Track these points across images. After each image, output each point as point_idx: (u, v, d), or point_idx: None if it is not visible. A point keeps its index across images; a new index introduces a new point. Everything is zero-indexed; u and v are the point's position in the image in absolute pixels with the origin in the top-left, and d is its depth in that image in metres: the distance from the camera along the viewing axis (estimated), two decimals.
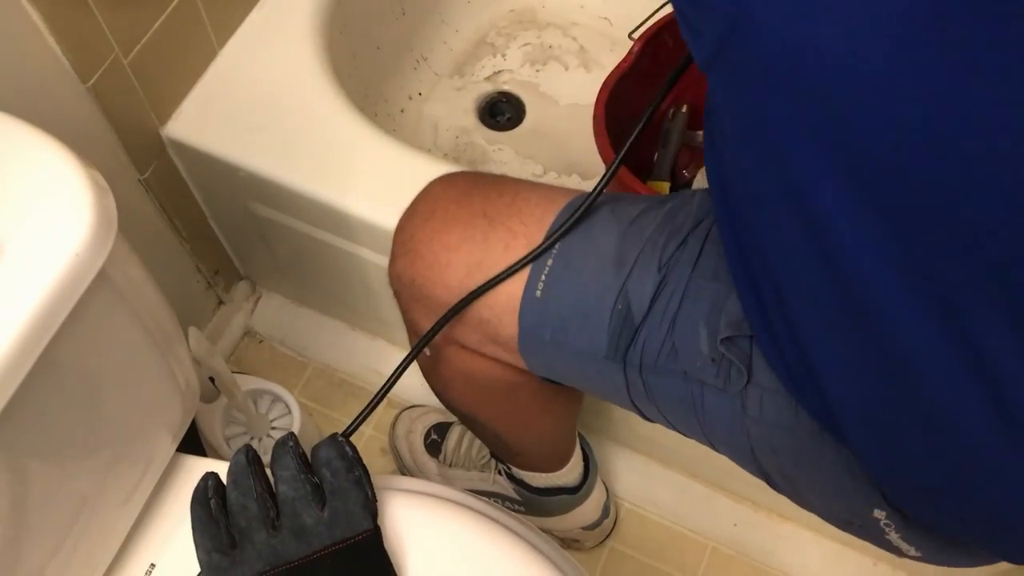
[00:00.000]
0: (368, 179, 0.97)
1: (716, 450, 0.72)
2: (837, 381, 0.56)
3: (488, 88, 1.40)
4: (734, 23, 0.46)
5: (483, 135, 1.37)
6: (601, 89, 1.06)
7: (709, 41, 0.48)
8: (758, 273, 0.59)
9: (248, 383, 1.13)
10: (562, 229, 0.70)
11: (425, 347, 0.74)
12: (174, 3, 0.92)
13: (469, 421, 0.94)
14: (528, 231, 0.71)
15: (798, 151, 0.47)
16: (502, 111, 1.40)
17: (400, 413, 1.24)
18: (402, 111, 1.36)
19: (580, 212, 0.69)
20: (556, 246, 0.70)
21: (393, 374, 0.71)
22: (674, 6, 0.51)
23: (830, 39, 0.43)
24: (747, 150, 0.52)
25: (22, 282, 0.56)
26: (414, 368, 0.76)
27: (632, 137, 0.69)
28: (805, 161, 0.47)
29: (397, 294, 0.81)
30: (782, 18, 0.44)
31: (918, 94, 0.42)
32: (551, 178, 1.34)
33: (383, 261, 1.00)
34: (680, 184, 1.20)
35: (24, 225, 0.59)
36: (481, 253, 0.73)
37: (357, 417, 0.70)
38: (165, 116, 0.99)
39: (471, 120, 1.38)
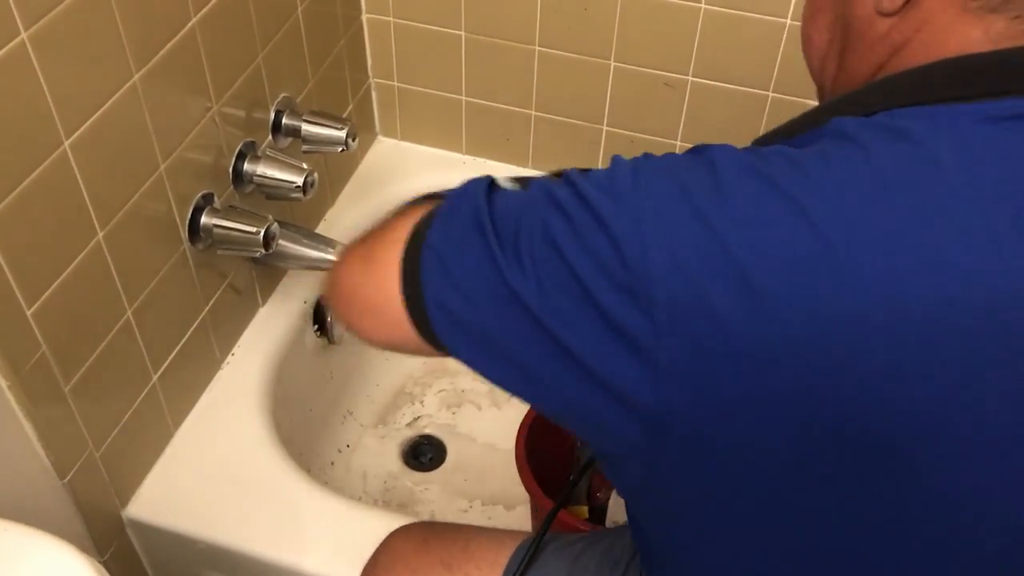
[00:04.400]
0: (321, 539, 1.05)
1: None
2: None
3: (410, 433, 1.54)
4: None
5: (409, 477, 1.48)
6: (519, 430, 1.21)
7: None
8: None
9: None
10: None
11: None
12: (142, 394, 1.04)
13: None
14: (483, 575, 0.82)
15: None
16: (424, 452, 1.52)
17: None
18: (332, 464, 1.47)
19: (524, 563, 0.80)
20: None
21: None
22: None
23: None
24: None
25: None
26: None
27: (564, 496, 0.83)
28: None
29: None
30: None
31: None
32: (476, 510, 1.44)
33: None
34: (596, 506, 1.32)
35: None
36: None
37: None
38: (126, 499, 1.07)
39: (397, 465, 1.50)
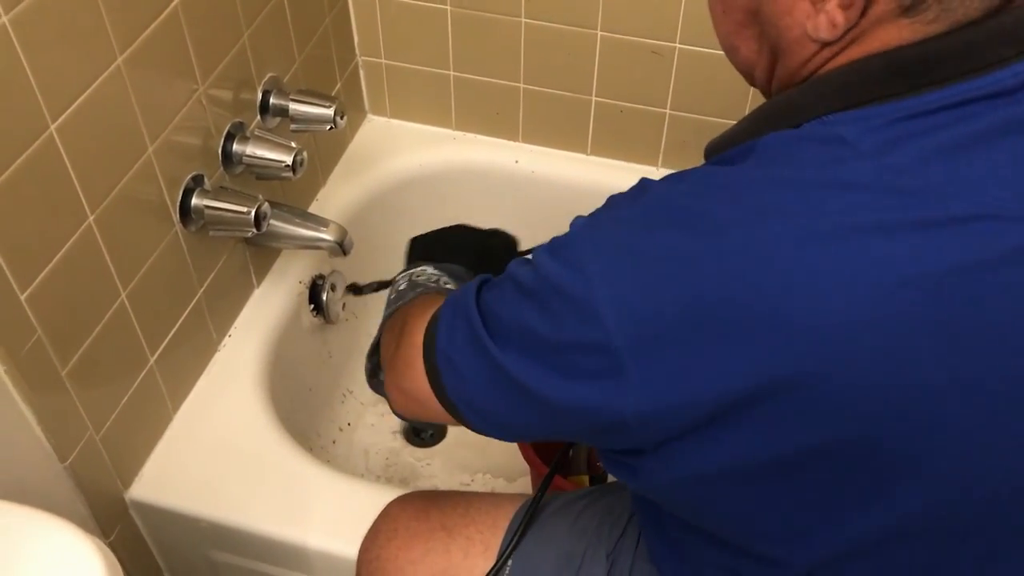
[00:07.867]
0: (323, 515, 1.06)
1: None
2: None
3: None
4: None
5: (411, 453, 1.49)
6: None
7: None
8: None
9: None
10: (512, 544, 0.81)
11: None
12: (140, 377, 1.05)
13: None
14: (484, 538, 0.82)
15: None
16: (425, 428, 1.53)
17: None
18: (334, 442, 1.47)
19: (522, 526, 0.82)
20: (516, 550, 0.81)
21: None
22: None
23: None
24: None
25: None
26: None
27: (556, 460, 0.84)
28: None
29: None
30: None
31: None
32: (478, 484, 1.45)
33: None
34: (596, 475, 1.33)
35: None
36: (444, 562, 0.83)
37: None
38: (129, 480, 1.07)
39: (398, 441, 1.51)
